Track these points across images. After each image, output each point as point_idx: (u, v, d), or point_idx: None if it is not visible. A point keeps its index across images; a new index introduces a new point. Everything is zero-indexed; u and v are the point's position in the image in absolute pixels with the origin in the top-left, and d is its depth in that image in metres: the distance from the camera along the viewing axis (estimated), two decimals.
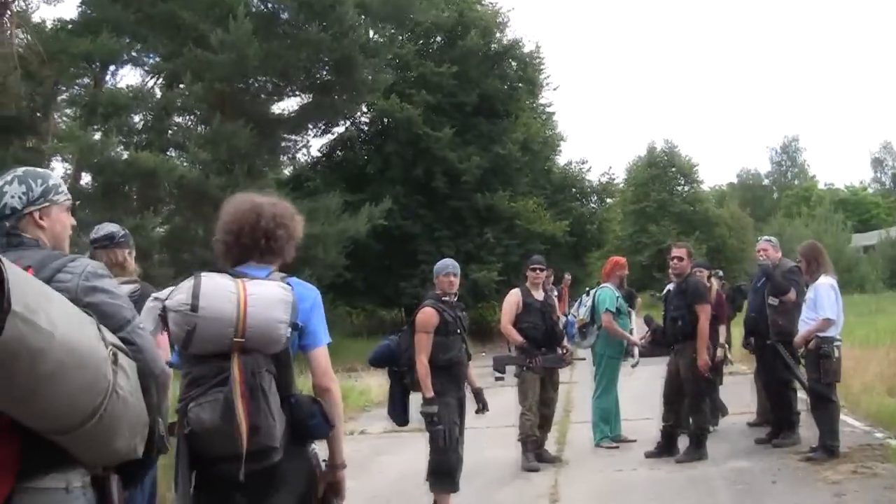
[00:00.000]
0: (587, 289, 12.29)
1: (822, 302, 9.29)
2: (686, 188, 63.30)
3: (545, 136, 36.34)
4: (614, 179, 40.45)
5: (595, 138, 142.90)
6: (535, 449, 9.86)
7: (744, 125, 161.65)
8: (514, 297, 10.10)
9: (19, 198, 3.14)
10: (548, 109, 38.98)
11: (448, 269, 7.85)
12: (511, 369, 10.05)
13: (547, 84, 37.16)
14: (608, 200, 39.06)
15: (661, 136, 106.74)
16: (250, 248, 3.90)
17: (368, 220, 24.93)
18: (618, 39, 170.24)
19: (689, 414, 9.85)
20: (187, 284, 3.54)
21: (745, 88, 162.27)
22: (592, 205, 38.52)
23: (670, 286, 10.61)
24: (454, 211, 31.96)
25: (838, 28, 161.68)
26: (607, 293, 11.02)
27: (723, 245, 58.54)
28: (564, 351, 10.26)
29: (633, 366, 11.35)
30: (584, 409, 12.09)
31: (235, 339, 3.44)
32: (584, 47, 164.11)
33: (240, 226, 3.90)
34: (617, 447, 10.74)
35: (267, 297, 3.54)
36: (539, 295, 10.12)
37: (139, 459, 3.05)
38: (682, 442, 9.95)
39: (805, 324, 9.42)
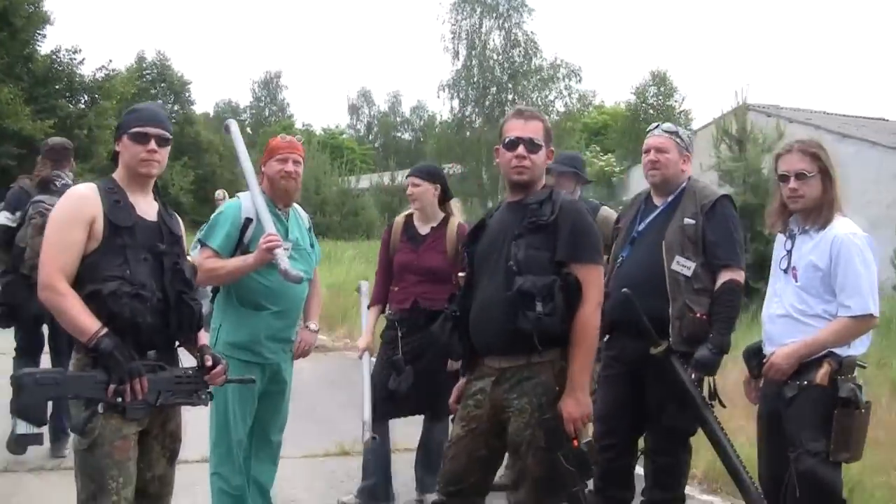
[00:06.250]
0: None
1: (855, 274, 4.46)
2: (177, 108, 56.93)
3: (28, 12, 28.32)
4: (113, 76, 33.06)
5: (89, 28, 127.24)
6: None
7: (233, 53, 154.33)
8: (79, 212, 3.81)
9: None
10: None
11: None
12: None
13: None
14: (103, 102, 31.55)
15: (153, 45, 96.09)
16: None
17: None
18: None
19: None
20: None
21: (241, 15, 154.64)
22: (83, 105, 31.09)
23: None
24: None
25: None
26: (230, 208, 5.16)
27: (212, 174, 53.43)
28: (205, 360, 4.10)
29: (368, 441, 5.66)
30: None
31: None
32: None
33: None
34: None
35: None
36: (148, 207, 4.03)
37: None
38: None
39: (797, 325, 4.55)
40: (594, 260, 4.20)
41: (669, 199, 5.30)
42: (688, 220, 5.15)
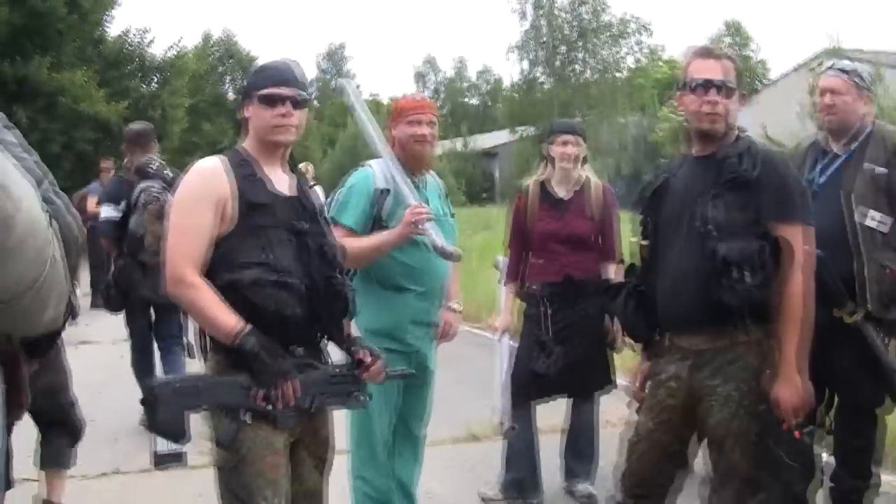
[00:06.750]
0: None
1: None
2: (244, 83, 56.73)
3: None
4: (183, 54, 32.81)
5: (156, 7, 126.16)
6: None
7: (297, 27, 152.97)
8: (208, 191, 3.25)
9: None
10: None
11: None
12: (198, 423, 3.39)
13: None
14: (175, 82, 31.17)
15: (219, 23, 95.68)
16: None
17: None
18: None
19: None
20: None
21: None
22: (155, 85, 30.85)
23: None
24: None
25: None
26: (361, 179, 4.54)
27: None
28: (362, 357, 3.55)
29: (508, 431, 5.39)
30: None
31: None
32: None
33: None
34: None
35: None
36: (283, 181, 3.43)
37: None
38: None
39: None
40: (805, 220, 3.61)
41: (853, 146, 4.66)
42: (879, 170, 4.50)
